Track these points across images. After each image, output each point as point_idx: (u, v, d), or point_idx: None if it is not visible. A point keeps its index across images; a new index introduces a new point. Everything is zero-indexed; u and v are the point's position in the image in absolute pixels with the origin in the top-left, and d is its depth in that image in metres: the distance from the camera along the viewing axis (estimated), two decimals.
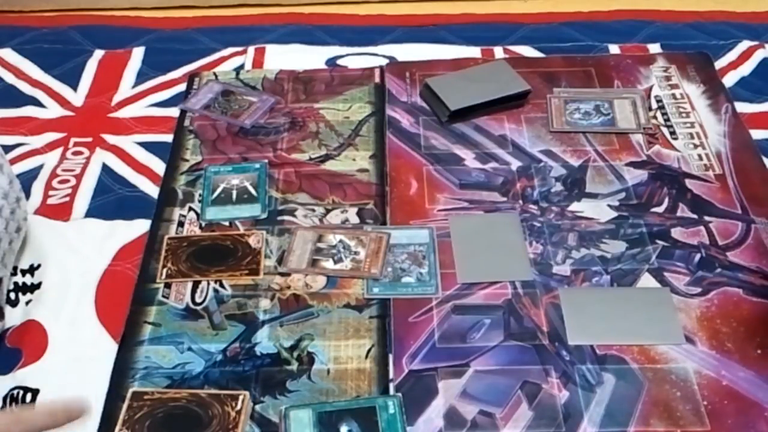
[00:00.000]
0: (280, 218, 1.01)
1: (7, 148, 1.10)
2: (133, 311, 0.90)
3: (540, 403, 0.81)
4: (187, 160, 1.09)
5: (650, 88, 1.18)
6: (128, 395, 0.82)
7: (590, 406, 0.81)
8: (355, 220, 1.00)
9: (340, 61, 1.27)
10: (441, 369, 0.84)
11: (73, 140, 1.13)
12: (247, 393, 0.82)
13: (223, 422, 0.79)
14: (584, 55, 1.26)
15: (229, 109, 1.16)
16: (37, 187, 1.05)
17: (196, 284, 0.93)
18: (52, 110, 1.18)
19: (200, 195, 1.04)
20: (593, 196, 1.03)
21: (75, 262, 0.96)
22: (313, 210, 1.02)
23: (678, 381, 0.83)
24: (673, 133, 1.11)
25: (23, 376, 0.85)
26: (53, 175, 1.07)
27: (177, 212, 1.02)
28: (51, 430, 0.62)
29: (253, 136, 1.12)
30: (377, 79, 1.21)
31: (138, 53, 1.29)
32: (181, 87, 1.21)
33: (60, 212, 1.02)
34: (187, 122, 1.15)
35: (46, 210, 1.03)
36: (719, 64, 1.24)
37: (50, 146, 1.12)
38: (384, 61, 1.25)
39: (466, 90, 1.15)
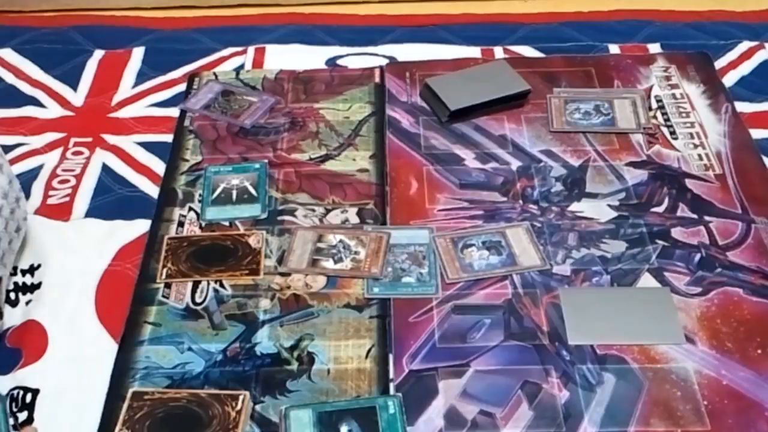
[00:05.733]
0: (280, 218, 1.00)
1: (7, 148, 1.10)
2: (133, 311, 0.90)
3: (540, 403, 0.81)
4: (187, 160, 1.09)
5: (650, 88, 1.18)
6: (128, 395, 0.82)
7: (590, 405, 0.81)
8: (355, 220, 1.00)
9: (340, 61, 1.27)
10: (441, 369, 0.84)
11: (73, 140, 1.13)
12: (247, 393, 0.82)
13: (223, 422, 0.79)
14: (584, 55, 1.25)
15: (229, 109, 1.16)
16: (37, 187, 1.05)
17: (196, 284, 0.93)
18: (52, 110, 1.18)
19: (200, 195, 1.03)
20: (593, 196, 1.03)
21: (75, 262, 0.96)
22: (313, 210, 1.02)
23: (678, 381, 0.83)
24: (673, 133, 1.11)
25: (23, 376, 0.85)
26: (53, 175, 1.07)
27: (177, 212, 1.02)
28: None
29: (253, 136, 1.12)
30: (377, 79, 1.21)
31: (138, 53, 1.29)
32: (181, 87, 1.21)
33: (60, 212, 1.02)
34: (187, 122, 1.15)
35: (46, 210, 1.02)
36: (719, 64, 1.24)
37: (50, 146, 1.12)
38: (384, 61, 1.25)
39: (466, 90, 1.15)
